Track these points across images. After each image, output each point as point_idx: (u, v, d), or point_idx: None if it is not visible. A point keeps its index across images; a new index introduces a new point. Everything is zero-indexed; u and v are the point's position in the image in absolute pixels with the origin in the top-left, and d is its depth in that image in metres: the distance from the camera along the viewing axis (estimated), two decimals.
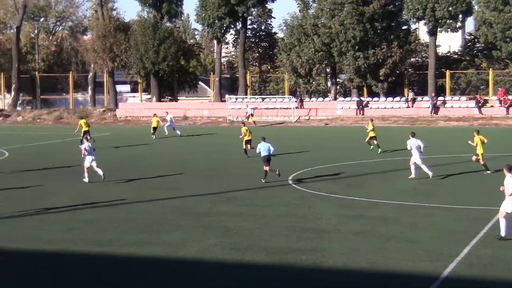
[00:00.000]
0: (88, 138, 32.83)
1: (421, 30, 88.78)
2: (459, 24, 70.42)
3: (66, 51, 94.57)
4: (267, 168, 29.18)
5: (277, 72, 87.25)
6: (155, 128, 51.69)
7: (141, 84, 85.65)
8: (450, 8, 67.33)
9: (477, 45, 79.95)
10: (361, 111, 67.84)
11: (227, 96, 72.58)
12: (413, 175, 29.17)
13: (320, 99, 73.29)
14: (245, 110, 68.96)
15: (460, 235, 19.09)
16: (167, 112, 57.37)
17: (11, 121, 76.73)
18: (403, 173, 31.57)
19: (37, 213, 23.07)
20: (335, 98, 73.44)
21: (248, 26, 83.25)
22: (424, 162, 29.44)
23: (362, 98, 69.96)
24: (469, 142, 31.63)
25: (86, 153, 29.62)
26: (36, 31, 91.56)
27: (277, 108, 70.06)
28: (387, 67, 68.94)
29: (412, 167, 29.33)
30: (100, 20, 79.91)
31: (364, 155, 38.86)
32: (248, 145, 38.70)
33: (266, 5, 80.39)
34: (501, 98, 64.86)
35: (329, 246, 18.19)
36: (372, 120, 43.51)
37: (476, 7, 69.80)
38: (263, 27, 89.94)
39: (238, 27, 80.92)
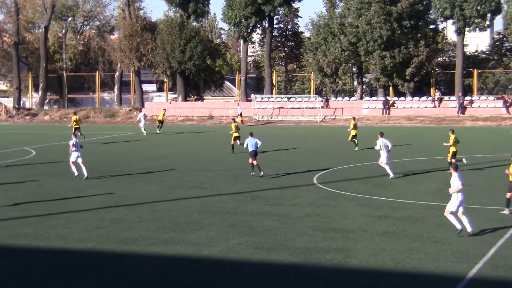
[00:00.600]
0: (78, 134, 33.82)
1: (449, 29, 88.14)
2: (487, 23, 69.80)
3: (93, 50, 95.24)
4: (254, 162, 30.65)
5: (303, 72, 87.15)
6: (161, 121, 53.32)
7: (167, 84, 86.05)
8: (479, 7, 66.77)
9: (506, 44, 79.23)
10: (387, 111, 67.59)
11: (252, 95, 72.65)
12: (391, 175, 29.57)
13: (346, 98, 73.14)
14: (270, 109, 69.02)
15: (487, 236, 18.95)
16: (140, 110, 58.05)
17: (38, 120, 77.51)
18: (429, 174, 31.42)
19: (64, 211, 23.27)
20: (361, 98, 73.25)
21: (275, 26, 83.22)
22: (389, 163, 30.06)
23: (388, 98, 69.69)
24: (444, 144, 32.39)
25: (73, 148, 30.44)
26: (64, 31, 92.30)
27: (303, 108, 70.03)
28: (414, 67, 68.63)
29: (387, 167, 29.81)
30: (127, 20, 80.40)
31: (390, 155, 38.61)
32: (238, 141, 40.48)
33: (293, 5, 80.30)
34: None
35: (355, 246, 18.14)
36: (354, 119, 44.14)
37: (505, 6, 69.19)
38: (289, 27, 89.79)
39: (264, 27, 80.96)
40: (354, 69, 79.21)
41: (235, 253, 17.69)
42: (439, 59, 79.63)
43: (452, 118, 64.36)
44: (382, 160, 30.26)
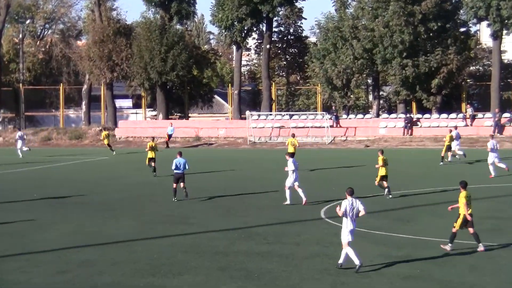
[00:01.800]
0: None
1: (483, 33, 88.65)
2: None
3: (56, 59, 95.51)
4: (181, 185, 33.29)
5: (308, 84, 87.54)
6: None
7: (145, 99, 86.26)
8: None
9: None
10: (410, 130, 67.82)
11: (247, 112, 72.87)
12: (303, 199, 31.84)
13: (360, 116, 73.44)
14: (268, 129, 69.31)
15: None
16: (19, 129, 58.32)
17: None
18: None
19: (24, 252, 23.28)
20: (378, 115, 73.50)
21: (274, 29, 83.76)
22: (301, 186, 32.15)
23: (411, 115, 69.94)
24: (376, 166, 34.29)
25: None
26: (20, 35, 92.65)
27: (308, 127, 70.26)
28: (441, 77, 68.95)
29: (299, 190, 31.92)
30: (97, 22, 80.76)
31: (413, 184, 38.80)
32: (152, 163, 43.60)
33: (296, 4, 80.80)
34: None
35: None
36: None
37: None
38: (291, 30, 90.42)
39: (261, 30, 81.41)
40: (370, 81, 79.60)
41: None
42: (472, 68, 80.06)
43: (488, 139, 64.43)
44: (288, 183, 32.15)
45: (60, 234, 26.13)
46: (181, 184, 33.40)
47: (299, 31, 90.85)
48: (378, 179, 34.02)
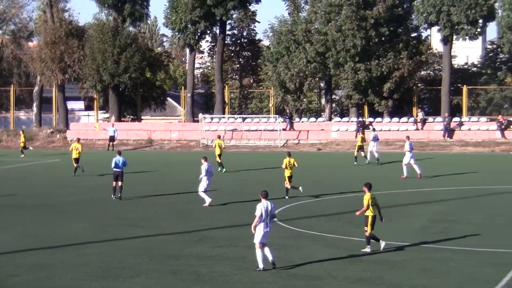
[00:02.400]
0: None
1: (434, 38, 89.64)
2: (478, 30, 70.97)
3: (7, 60, 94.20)
4: (119, 183, 34.52)
5: (261, 87, 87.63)
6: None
7: (97, 101, 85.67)
8: (468, 12, 67.89)
9: (500, 56, 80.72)
10: (362, 134, 68.08)
11: (200, 115, 72.72)
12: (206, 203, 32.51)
13: (312, 119, 73.62)
14: (221, 131, 69.27)
15: (480, 283, 19.21)
16: None
17: None
18: (411, 209, 31.76)
19: None
20: (330, 119, 73.81)
21: (228, 32, 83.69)
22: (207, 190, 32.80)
23: (364, 118, 70.31)
24: (282, 166, 35.39)
25: None
26: None
27: (261, 130, 70.29)
28: (393, 82, 69.41)
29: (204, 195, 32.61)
30: (49, 23, 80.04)
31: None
32: (75, 164, 45.14)
33: (249, 7, 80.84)
34: None
35: None
36: (219, 137, 50.22)
37: (499, 11, 70.53)
38: (245, 33, 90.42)
39: (215, 33, 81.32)
40: (322, 85, 79.91)
41: None
42: (423, 73, 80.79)
43: (438, 143, 65.21)
44: (201, 188, 32.64)
45: (11, 237, 25.86)
46: (119, 183, 34.61)
47: (253, 34, 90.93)
48: (287, 180, 34.84)
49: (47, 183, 43.24)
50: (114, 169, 34.88)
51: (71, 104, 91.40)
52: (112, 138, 67.97)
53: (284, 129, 69.22)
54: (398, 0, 70.11)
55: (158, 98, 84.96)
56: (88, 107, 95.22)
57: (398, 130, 68.18)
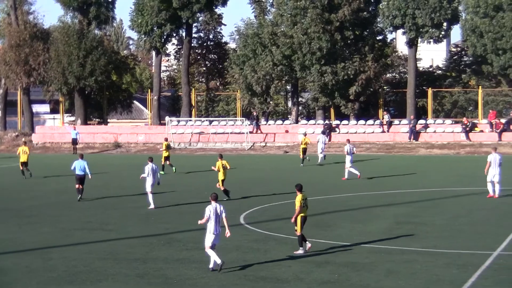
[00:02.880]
0: None
1: (399, 41, 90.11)
2: (443, 33, 71.46)
3: None
4: (79, 186, 35.33)
5: (228, 90, 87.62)
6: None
7: (63, 104, 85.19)
8: (433, 15, 68.35)
9: (464, 59, 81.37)
10: (328, 136, 68.32)
11: (167, 118, 72.53)
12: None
13: (279, 122, 73.69)
14: (188, 134, 69.17)
15: (446, 285, 19.29)
16: None
17: None
18: (378, 211, 31.87)
19: None
20: (297, 121, 73.91)
21: (194, 35, 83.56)
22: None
23: (330, 121, 70.50)
24: (212, 167, 36.15)
25: None
26: None
27: (228, 133, 70.24)
28: (359, 84, 69.66)
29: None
30: (14, 26, 79.45)
31: (331, 190, 39.11)
32: (23, 167, 46.00)
33: (215, 10, 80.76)
34: (492, 122, 65.97)
35: None
36: (166, 140, 50.52)
37: (463, 14, 71.09)
38: (211, 36, 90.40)
39: (181, 36, 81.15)
40: (289, 87, 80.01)
41: None
42: (388, 75, 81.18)
43: (404, 145, 65.53)
44: (148, 188, 33.21)
45: None
46: (80, 186, 35.48)
47: (219, 37, 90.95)
48: (220, 183, 35.31)
49: (11, 187, 42.82)
50: (77, 173, 35.45)
51: (36, 107, 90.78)
52: (74, 141, 67.75)
53: (251, 132, 69.20)
54: (364, 4, 70.38)
55: (124, 101, 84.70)
56: (54, 110, 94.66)
57: (364, 133, 68.43)
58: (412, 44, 71.77)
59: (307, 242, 23.21)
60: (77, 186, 35.51)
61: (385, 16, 70.43)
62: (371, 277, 20.15)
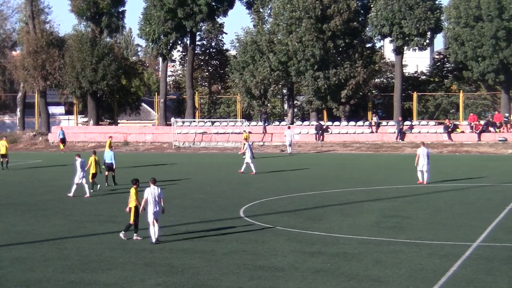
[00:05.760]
0: None
1: (387, 49, 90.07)
2: (427, 41, 71.46)
3: None
4: (107, 173, 38.69)
5: (229, 93, 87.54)
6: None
7: (76, 106, 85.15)
8: (418, 25, 68.32)
9: (447, 65, 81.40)
10: (321, 137, 68.38)
11: (173, 119, 72.51)
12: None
13: (276, 123, 73.68)
14: (192, 134, 69.14)
15: (429, 274, 19.29)
16: None
17: None
18: (366, 205, 31.87)
19: None
20: (292, 122, 73.89)
21: (197, 42, 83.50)
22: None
23: (322, 122, 70.51)
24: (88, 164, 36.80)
25: None
26: None
27: (229, 133, 70.22)
28: (350, 89, 69.65)
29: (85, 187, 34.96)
30: (31, 34, 79.37)
31: (324, 185, 39.10)
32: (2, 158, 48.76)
33: (217, 19, 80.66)
34: (472, 124, 66.01)
35: (285, 285, 18.21)
36: (110, 137, 50.66)
37: (446, 24, 71.07)
38: (213, 44, 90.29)
39: (185, 43, 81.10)
40: (285, 91, 79.98)
41: None
42: (377, 80, 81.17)
43: (391, 145, 65.53)
44: (76, 180, 35.02)
45: None
46: (107, 172, 39.12)
47: (220, 44, 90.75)
48: (90, 176, 36.54)
49: (27, 182, 42.80)
50: (106, 162, 39.20)
51: (52, 109, 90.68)
52: (62, 140, 67.90)
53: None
54: (354, 14, 70.39)
55: (133, 104, 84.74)
56: (68, 112, 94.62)
57: (354, 133, 68.53)
58: (398, 51, 71.79)
59: (134, 233, 24.07)
60: (106, 173, 38.98)
61: (374, 26, 70.40)
62: (360, 266, 20.15)
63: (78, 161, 35.28)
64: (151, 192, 23.31)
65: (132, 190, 24.16)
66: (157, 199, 23.35)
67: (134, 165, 52.65)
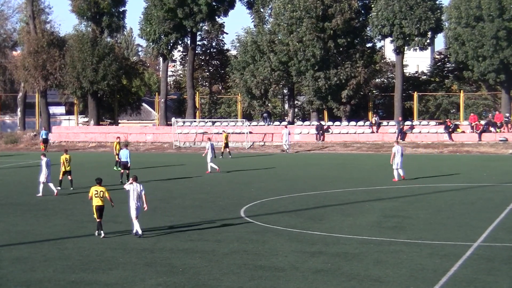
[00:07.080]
0: None
1: (387, 48, 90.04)
2: (428, 41, 71.41)
3: None
4: (122, 172, 40.48)
5: (229, 93, 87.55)
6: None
7: (77, 106, 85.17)
8: (419, 25, 68.28)
9: (447, 65, 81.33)
10: (321, 137, 68.40)
11: (173, 119, 72.51)
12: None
13: (277, 123, 73.67)
14: (192, 134, 69.05)
15: (429, 273, 19.29)
16: None
17: None
18: (367, 205, 31.87)
19: None
20: (293, 122, 73.89)
21: (198, 42, 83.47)
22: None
23: (323, 122, 70.51)
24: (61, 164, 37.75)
25: None
26: None
27: (229, 133, 70.15)
28: (350, 89, 69.63)
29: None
30: (32, 34, 79.39)
31: (324, 185, 39.10)
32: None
33: (217, 20, 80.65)
34: (472, 124, 66.00)
35: (286, 285, 18.21)
36: (118, 138, 50.84)
37: (446, 24, 71.06)
38: (214, 44, 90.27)
39: (186, 43, 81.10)
40: (285, 91, 79.96)
41: None
42: (377, 80, 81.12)
43: (391, 145, 65.22)
44: (42, 179, 35.50)
45: None
46: (123, 171, 40.61)
47: (221, 44, 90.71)
48: (61, 174, 37.50)
49: (28, 182, 42.77)
50: (122, 160, 40.83)
51: (53, 109, 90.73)
52: (45, 140, 68.00)
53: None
54: (355, 14, 70.36)
55: (133, 104, 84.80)
56: (69, 112, 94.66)
57: (355, 133, 68.53)
58: (399, 51, 71.74)
59: (101, 232, 24.60)
60: (121, 171, 40.61)
61: (375, 26, 70.34)
62: (360, 266, 20.15)
63: (44, 160, 35.96)
64: (134, 189, 24.44)
65: (92, 189, 25.05)
66: (139, 195, 24.47)
67: (134, 166, 52.60)
